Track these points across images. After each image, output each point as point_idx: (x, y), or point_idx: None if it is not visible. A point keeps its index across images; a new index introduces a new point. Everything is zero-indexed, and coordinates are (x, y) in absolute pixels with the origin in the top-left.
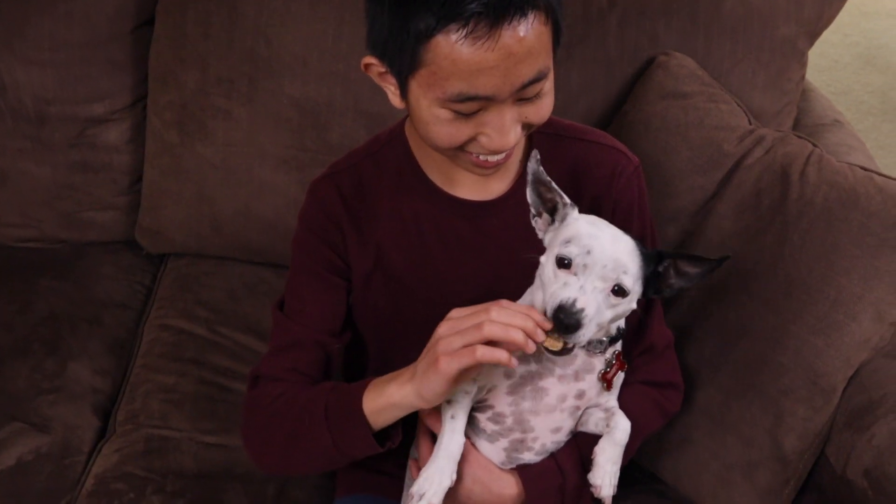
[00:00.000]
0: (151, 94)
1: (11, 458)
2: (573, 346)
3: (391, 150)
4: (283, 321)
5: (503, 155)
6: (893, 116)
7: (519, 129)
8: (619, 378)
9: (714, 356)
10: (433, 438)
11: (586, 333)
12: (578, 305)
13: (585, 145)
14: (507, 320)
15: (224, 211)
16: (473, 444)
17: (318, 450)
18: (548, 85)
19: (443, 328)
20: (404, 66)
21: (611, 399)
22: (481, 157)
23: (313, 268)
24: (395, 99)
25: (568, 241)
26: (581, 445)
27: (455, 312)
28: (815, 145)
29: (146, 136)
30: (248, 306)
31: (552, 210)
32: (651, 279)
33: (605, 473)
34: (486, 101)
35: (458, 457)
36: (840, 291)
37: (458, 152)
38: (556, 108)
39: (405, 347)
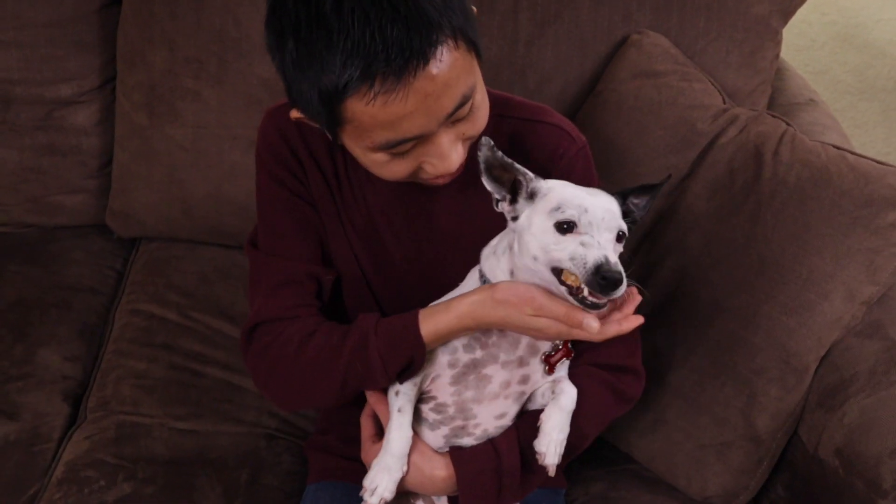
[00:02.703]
0: (120, 75)
1: None
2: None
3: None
4: (268, 261)
5: (455, 170)
6: (870, 95)
7: (460, 147)
8: (563, 365)
9: (687, 337)
10: (376, 419)
11: (624, 286)
12: (612, 259)
13: (528, 125)
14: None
15: (195, 194)
16: (413, 431)
17: (370, 388)
18: (478, 97)
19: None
20: (327, 123)
21: (558, 373)
22: (434, 175)
23: (284, 197)
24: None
25: (558, 208)
26: (520, 427)
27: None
28: (788, 124)
29: (115, 118)
30: (220, 290)
31: (513, 189)
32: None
33: (551, 441)
34: (417, 139)
35: (406, 450)
36: (812, 271)
37: (410, 177)
38: (530, 89)
39: (371, 293)
